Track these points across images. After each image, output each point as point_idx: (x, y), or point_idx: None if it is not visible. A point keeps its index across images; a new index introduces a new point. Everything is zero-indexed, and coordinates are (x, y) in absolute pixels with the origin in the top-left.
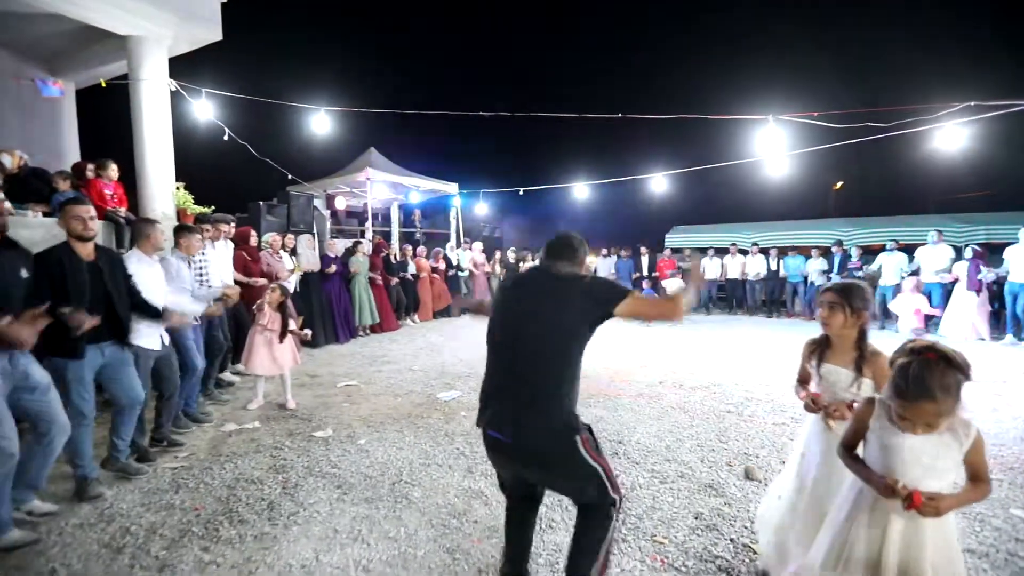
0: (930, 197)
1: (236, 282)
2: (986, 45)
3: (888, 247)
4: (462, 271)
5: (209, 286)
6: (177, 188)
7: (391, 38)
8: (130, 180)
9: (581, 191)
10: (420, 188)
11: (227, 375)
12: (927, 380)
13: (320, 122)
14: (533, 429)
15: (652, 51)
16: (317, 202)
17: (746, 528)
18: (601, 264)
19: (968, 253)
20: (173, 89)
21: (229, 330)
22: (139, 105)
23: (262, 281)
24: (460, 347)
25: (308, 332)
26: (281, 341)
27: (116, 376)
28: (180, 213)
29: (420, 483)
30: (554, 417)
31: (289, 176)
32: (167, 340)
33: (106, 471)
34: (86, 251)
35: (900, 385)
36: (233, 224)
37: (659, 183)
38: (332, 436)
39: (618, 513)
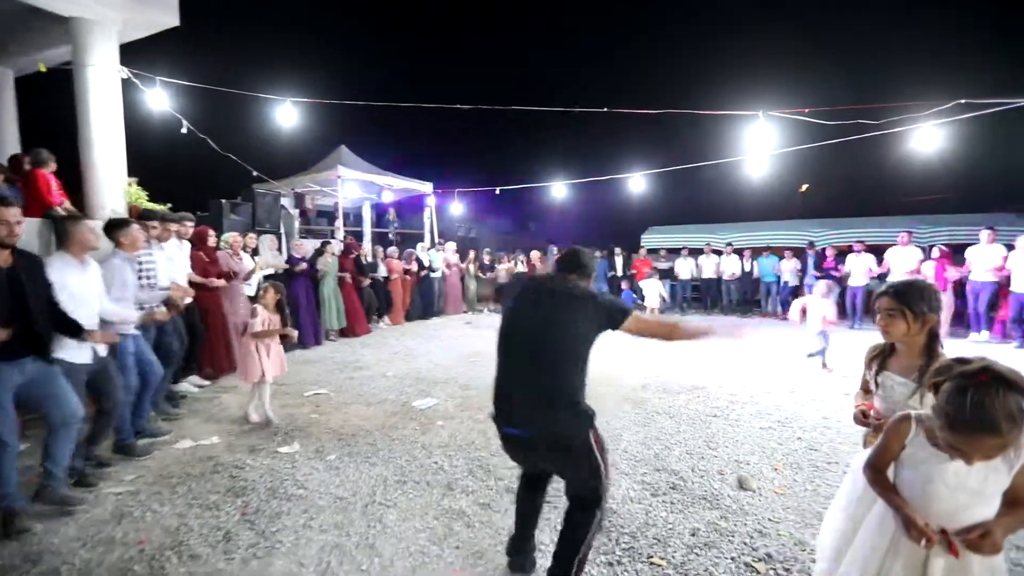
0: (893, 199)
1: (191, 283)
2: (972, 43)
3: (855, 249)
4: (434, 272)
5: (152, 286)
6: (129, 184)
7: (364, 27)
8: (76, 174)
9: (559, 190)
10: (393, 187)
11: (185, 386)
12: (988, 410)
13: (286, 114)
14: (554, 422)
15: (638, 47)
16: (285, 201)
17: (745, 544)
18: None
19: (935, 253)
20: (124, 77)
21: (184, 337)
22: (86, 94)
23: (219, 282)
24: (435, 351)
25: (295, 332)
26: (282, 342)
27: (46, 392)
28: (132, 210)
29: (395, 504)
30: (572, 411)
31: (254, 173)
32: (102, 351)
33: (42, 506)
34: (2, 257)
35: (951, 414)
36: (190, 223)
37: (638, 183)
38: (299, 452)
39: (601, 513)
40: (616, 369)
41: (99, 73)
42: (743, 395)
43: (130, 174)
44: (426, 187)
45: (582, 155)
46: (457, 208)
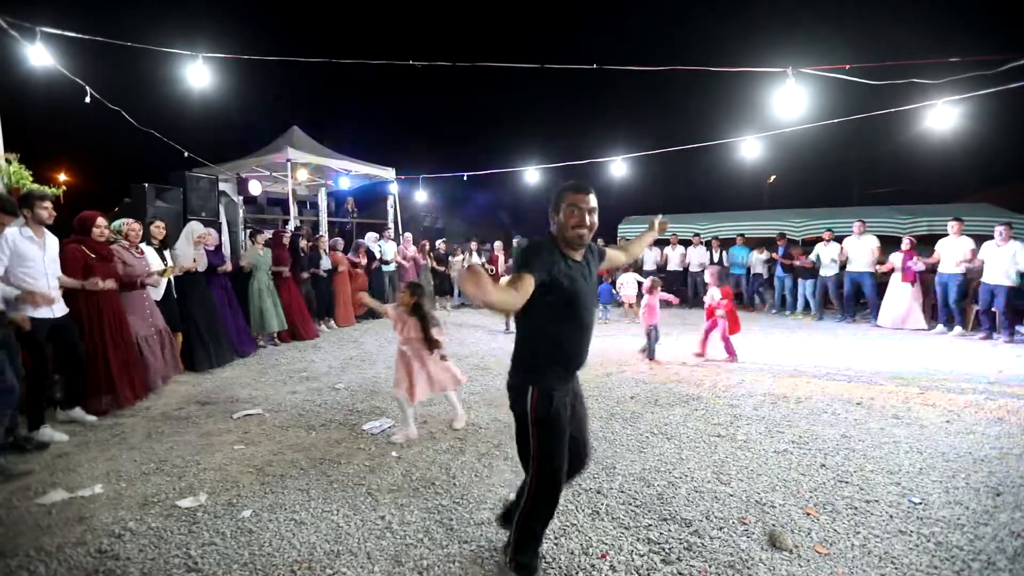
0: (855, 190)
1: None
2: None
3: (825, 238)
4: (387, 264)
5: None
6: (7, 161)
7: None
8: None
9: (532, 176)
10: (351, 172)
11: (48, 432)
12: None
13: (198, 73)
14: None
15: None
16: (225, 186)
17: None
18: None
19: (905, 244)
20: None
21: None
22: None
23: (107, 284)
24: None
25: (441, 340)
26: (431, 351)
27: None
28: (11, 193)
29: None
30: (515, 365)
31: (186, 154)
32: None
33: None
34: None
35: None
36: (47, 203)
37: (619, 167)
38: (204, 505)
39: (536, 485)
40: (594, 372)
41: None
42: (745, 408)
43: (10, 149)
44: (388, 173)
45: (560, 137)
46: (422, 196)
